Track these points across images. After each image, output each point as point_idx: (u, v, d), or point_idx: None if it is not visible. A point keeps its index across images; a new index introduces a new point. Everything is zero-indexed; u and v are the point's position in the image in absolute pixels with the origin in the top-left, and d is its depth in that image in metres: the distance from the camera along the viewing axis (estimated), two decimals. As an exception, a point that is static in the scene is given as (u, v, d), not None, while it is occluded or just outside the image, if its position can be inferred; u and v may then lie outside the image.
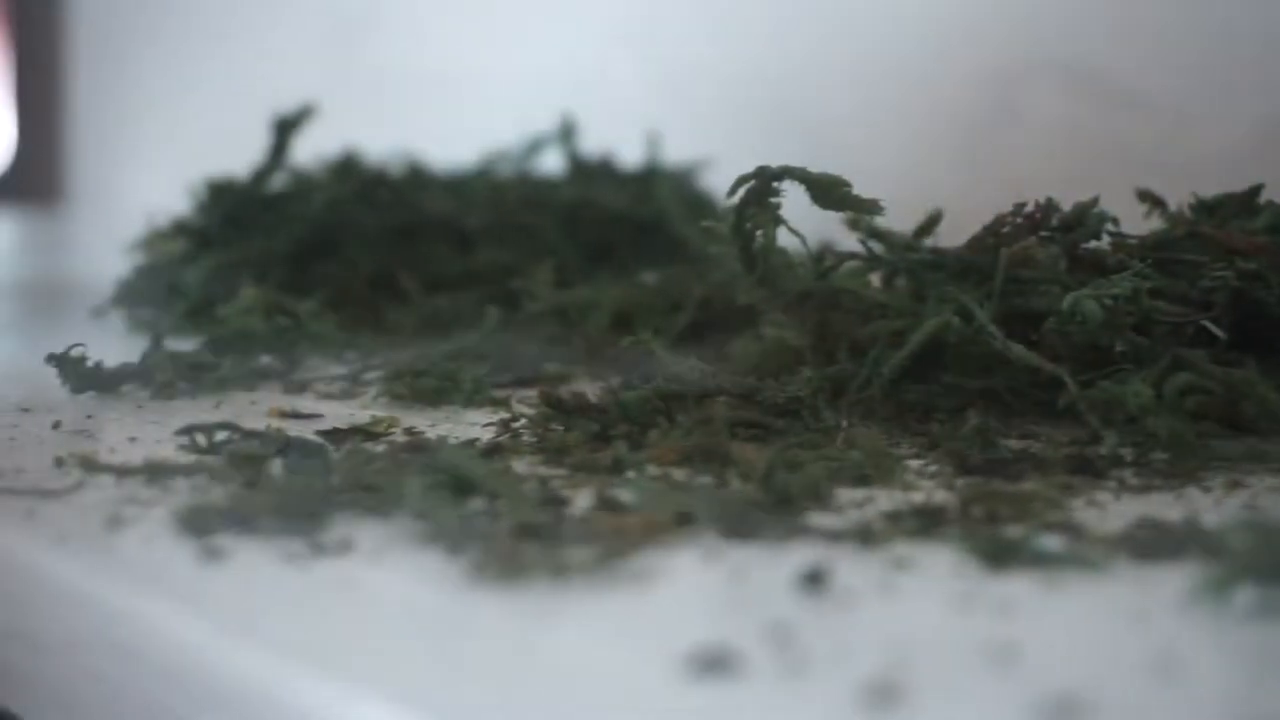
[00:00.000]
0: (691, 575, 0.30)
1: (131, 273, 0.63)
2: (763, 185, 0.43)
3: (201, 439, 0.39)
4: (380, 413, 0.45)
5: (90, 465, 0.37)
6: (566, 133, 0.69)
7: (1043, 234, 0.45)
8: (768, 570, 0.30)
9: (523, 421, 0.43)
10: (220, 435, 0.39)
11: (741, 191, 0.44)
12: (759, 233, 0.44)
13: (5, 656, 0.33)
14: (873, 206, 0.44)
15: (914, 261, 0.45)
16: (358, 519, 0.33)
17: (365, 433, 0.42)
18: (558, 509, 0.32)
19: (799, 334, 0.46)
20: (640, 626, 0.27)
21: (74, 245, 1.30)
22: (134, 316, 0.62)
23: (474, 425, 0.43)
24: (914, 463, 0.39)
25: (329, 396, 0.48)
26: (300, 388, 0.49)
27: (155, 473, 0.36)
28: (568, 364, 0.51)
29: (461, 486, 0.33)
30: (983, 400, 0.43)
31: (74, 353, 0.47)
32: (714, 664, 0.25)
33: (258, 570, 0.30)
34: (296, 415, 0.44)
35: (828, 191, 0.44)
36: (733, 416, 0.39)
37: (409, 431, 0.42)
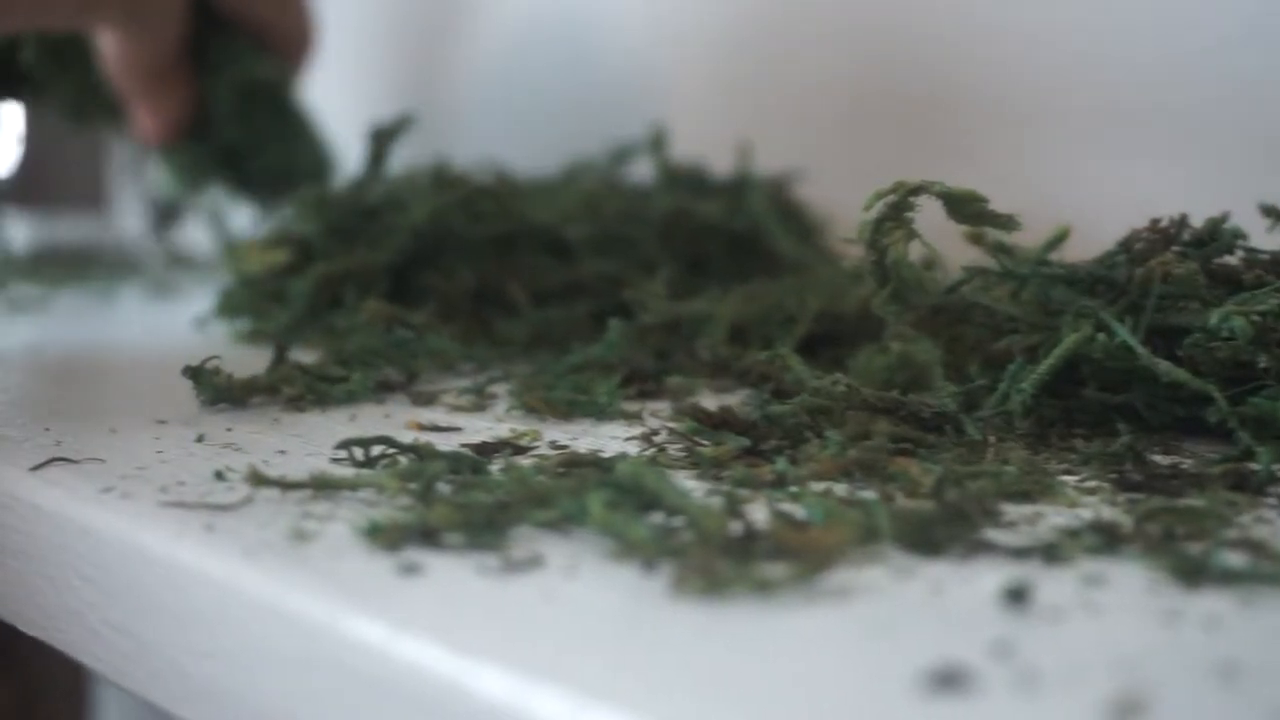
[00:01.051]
0: (891, 591, 0.30)
1: (233, 283, 0.63)
2: (900, 199, 0.44)
3: (359, 453, 0.40)
4: (516, 426, 0.45)
5: (257, 479, 0.37)
6: (658, 141, 0.70)
7: (1175, 249, 0.45)
8: (964, 586, 0.30)
9: (663, 435, 0.43)
10: (375, 449, 0.40)
11: (878, 206, 0.44)
12: (893, 247, 0.45)
13: (196, 673, 0.33)
14: (1010, 222, 0.44)
15: (1047, 276, 0.46)
16: (534, 534, 0.34)
17: (512, 446, 0.42)
18: (746, 524, 0.32)
19: (928, 348, 0.46)
20: (859, 642, 0.28)
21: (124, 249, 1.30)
22: (236, 327, 0.62)
23: (614, 439, 0.44)
24: (1067, 478, 0.39)
25: (459, 409, 0.48)
26: (428, 400, 0.49)
27: (321, 486, 0.37)
28: (689, 376, 0.51)
29: (645, 501, 0.33)
30: (1120, 416, 0.43)
31: (209, 365, 0.47)
32: (948, 680, 0.25)
33: (458, 584, 0.31)
34: (436, 428, 0.45)
35: (964, 206, 0.44)
36: (891, 431, 0.40)
37: (554, 445, 0.42)
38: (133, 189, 1.30)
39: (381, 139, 0.65)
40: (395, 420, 0.46)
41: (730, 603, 0.29)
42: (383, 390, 0.50)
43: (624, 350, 0.52)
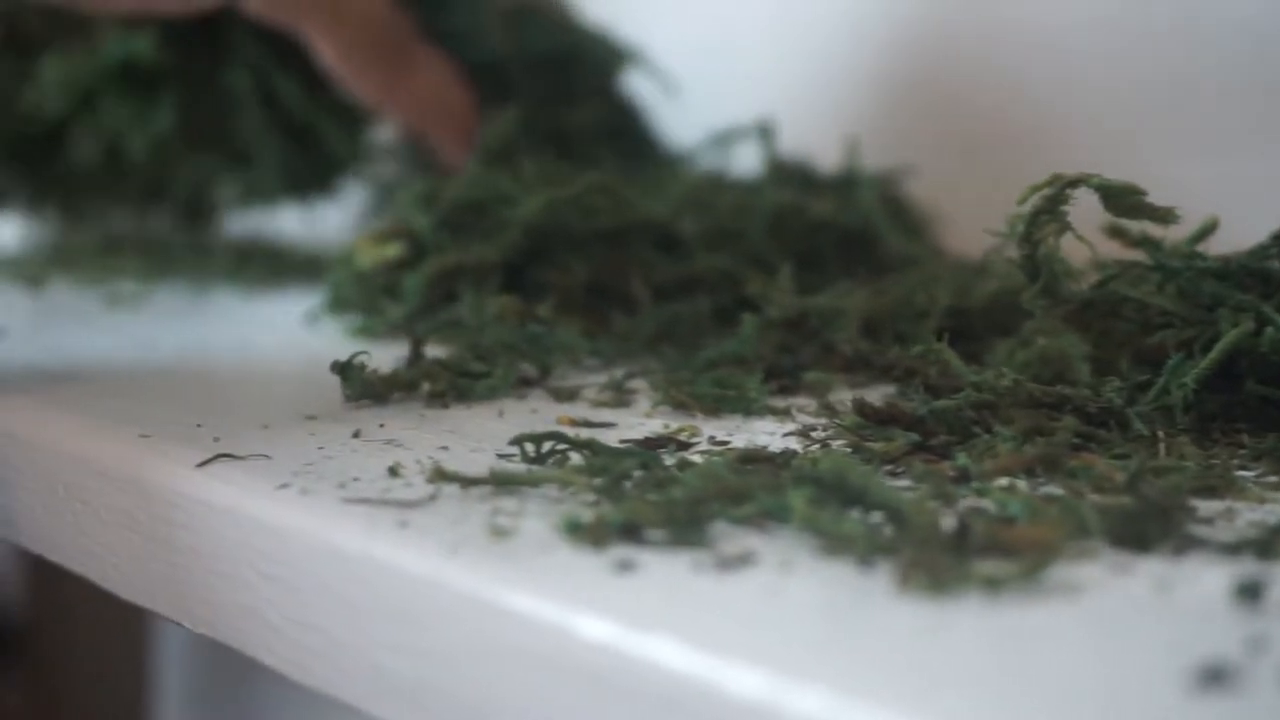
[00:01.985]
0: (1115, 587, 0.30)
1: (344, 277, 0.63)
2: (1056, 193, 0.43)
3: (530, 449, 0.39)
4: (668, 421, 0.45)
5: (440, 475, 0.37)
6: (766, 134, 0.69)
7: (1331, 242, 0.45)
8: (1189, 582, 0.30)
9: (821, 430, 0.43)
10: (546, 445, 0.40)
11: (1033, 199, 0.44)
12: (1044, 241, 0.44)
13: (396, 670, 0.33)
14: (1168, 215, 0.44)
15: (1198, 270, 0.45)
16: (732, 530, 0.33)
17: (676, 442, 0.42)
18: (961, 520, 0.32)
19: (1074, 342, 0.46)
20: (1103, 639, 0.27)
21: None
22: (347, 323, 0.62)
23: (769, 435, 0.43)
24: (1245, 473, 0.39)
25: (602, 404, 0.48)
26: (568, 396, 0.48)
27: (504, 483, 0.37)
28: (824, 372, 0.51)
29: (848, 497, 0.33)
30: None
31: (356, 361, 0.47)
32: (1215, 676, 0.25)
33: (679, 581, 0.30)
34: (588, 424, 0.44)
35: (1122, 199, 0.44)
36: (1073, 426, 0.39)
37: (714, 441, 0.42)
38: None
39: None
40: (542, 415, 0.46)
41: (956, 600, 0.29)
42: (520, 385, 0.50)
43: (755, 346, 0.51)
